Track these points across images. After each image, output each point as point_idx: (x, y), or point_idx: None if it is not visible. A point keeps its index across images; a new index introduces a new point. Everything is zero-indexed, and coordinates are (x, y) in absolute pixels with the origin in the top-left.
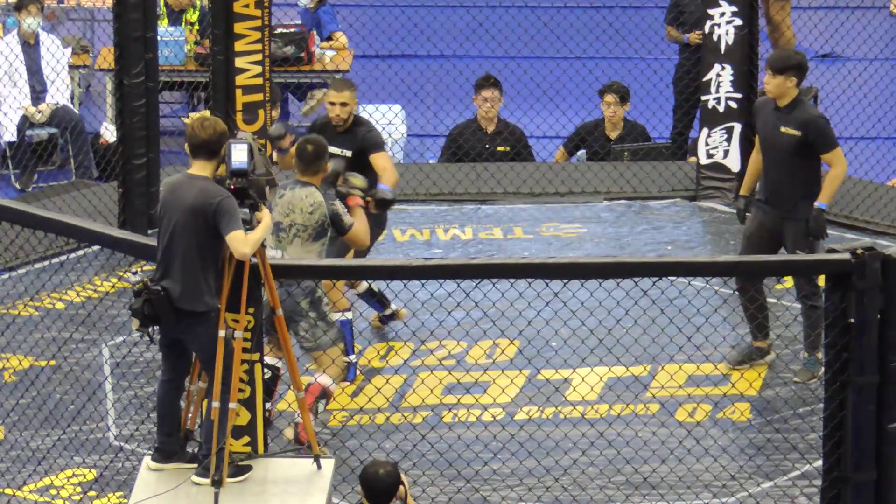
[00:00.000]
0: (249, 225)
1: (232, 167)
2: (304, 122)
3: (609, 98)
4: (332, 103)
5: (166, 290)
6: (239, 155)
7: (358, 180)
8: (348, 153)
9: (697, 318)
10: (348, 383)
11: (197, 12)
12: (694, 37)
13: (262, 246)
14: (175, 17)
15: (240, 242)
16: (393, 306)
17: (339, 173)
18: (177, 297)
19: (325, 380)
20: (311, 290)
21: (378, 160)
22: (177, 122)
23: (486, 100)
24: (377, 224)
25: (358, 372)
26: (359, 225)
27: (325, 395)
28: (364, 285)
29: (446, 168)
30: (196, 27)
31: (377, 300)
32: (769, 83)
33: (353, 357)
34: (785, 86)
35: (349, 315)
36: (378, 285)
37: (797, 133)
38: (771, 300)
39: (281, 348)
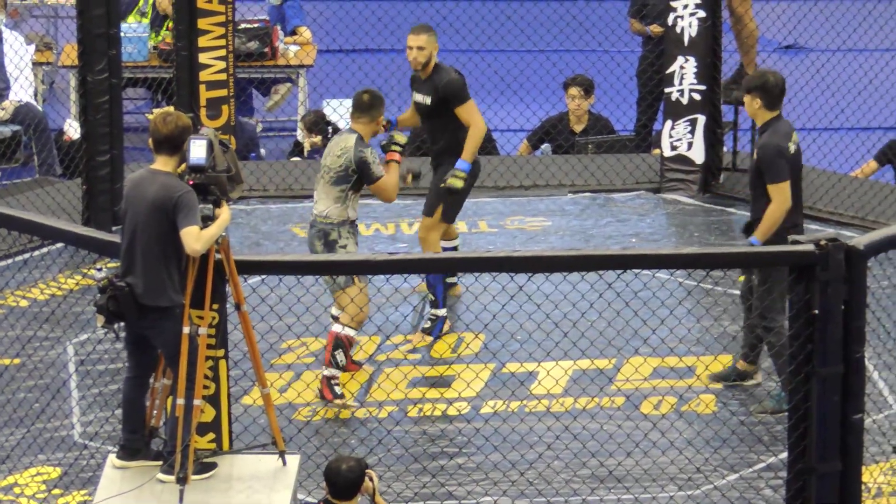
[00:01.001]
0: (211, 221)
1: (190, 163)
2: (267, 117)
3: (573, 91)
4: (410, 47)
5: (130, 286)
6: (197, 151)
7: (400, 136)
8: (428, 100)
9: (662, 310)
10: (433, 337)
11: None
12: (656, 29)
13: (217, 242)
14: (158, 20)
15: (192, 238)
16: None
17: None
18: (140, 293)
19: (336, 328)
20: (324, 232)
21: (460, 113)
22: (141, 119)
23: None
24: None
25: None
26: (388, 178)
27: (341, 344)
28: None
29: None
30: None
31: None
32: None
33: (441, 311)
34: (752, 106)
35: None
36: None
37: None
38: (734, 292)
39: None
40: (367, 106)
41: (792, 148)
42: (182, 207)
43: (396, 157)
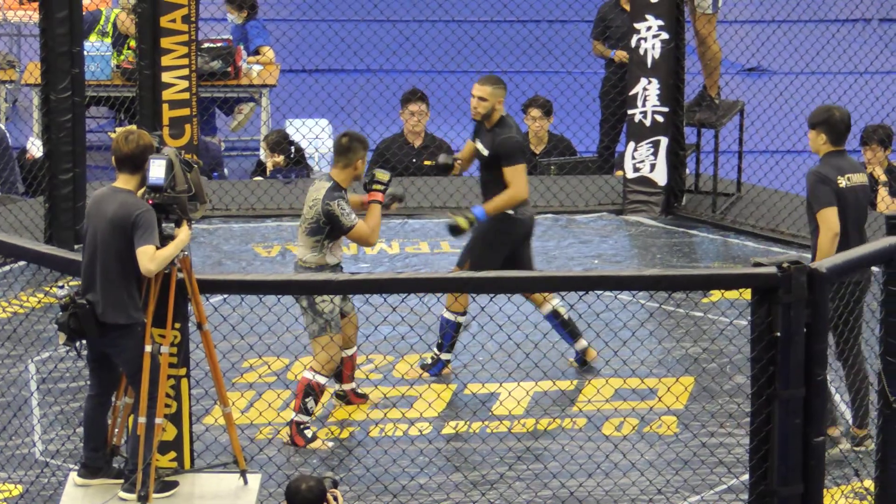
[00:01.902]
0: (172, 241)
1: (148, 182)
2: (230, 137)
3: (534, 112)
4: (472, 95)
5: (90, 304)
6: (156, 170)
7: (382, 174)
8: (485, 152)
9: (624, 331)
10: (430, 375)
11: None
12: (620, 55)
13: (173, 263)
14: (120, 41)
15: (147, 258)
16: (584, 342)
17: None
18: (100, 311)
19: (307, 374)
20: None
21: (506, 172)
22: (103, 137)
23: (412, 114)
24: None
25: (449, 372)
26: (364, 223)
27: (311, 392)
28: (549, 305)
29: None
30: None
31: (566, 329)
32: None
33: (445, 355)
34: (816, 142)
35: (460, 318)
36: (564, 308)
37: None
38: (697, 314)
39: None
40: (343, 149)
41: (842, 182)
42: (139, 226)
43: (378, 196)
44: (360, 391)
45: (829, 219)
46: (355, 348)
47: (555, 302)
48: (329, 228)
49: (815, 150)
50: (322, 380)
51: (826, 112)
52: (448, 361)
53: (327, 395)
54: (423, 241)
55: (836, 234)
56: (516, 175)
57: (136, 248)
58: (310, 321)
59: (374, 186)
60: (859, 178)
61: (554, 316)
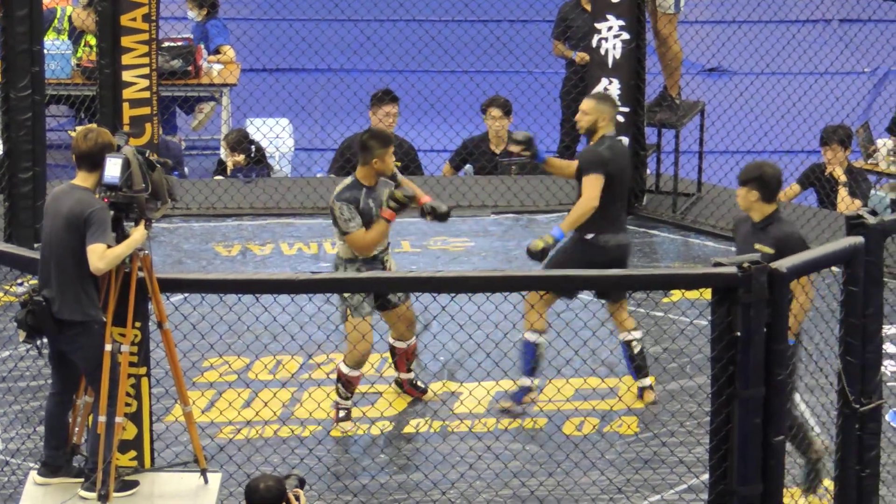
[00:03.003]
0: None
1: (104, 180)
2: (191, 136)
3: (494, 112)
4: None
5: (47, 300)
6: (112, 169)
7: (401, 194)
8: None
9: (584, 331)
10: (511, 404)
11: None
12: (581, 56)
13: (127, 259)
14: (77, 37)
15: (96, 256)
16: (648, 381)
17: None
18: (56, 308)
19: (342, 366)
20: (335, 266)
21: (583, 181)
22: (63, 136)
23: (387, 114)
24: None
25: (527, 398)
26: (364, 234)
27: (342, 379)
28: (627, 334)
29: (334, 182)
30: (95, 49)
31: (633, 364)
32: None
33: (529, 381)
34: (747, 199)
35: (539, 339)
36: (640, 344)
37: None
38: (657, 313)
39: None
40: (360, 146)
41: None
42: (92, 223)
43: (388, 214)
44: (419, 384)
45: (807, 286)
46: (413, 339)
47: (635, 334)
48: None
49: (745, 208)
50: (345, 369)
51: (758, 169)
52: (530, 388)
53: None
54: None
55: (811, 301)
56: (590, 186)
57: (87, 245)
58: (338, 305)
59: (390, 204)
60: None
61: (626, 347)
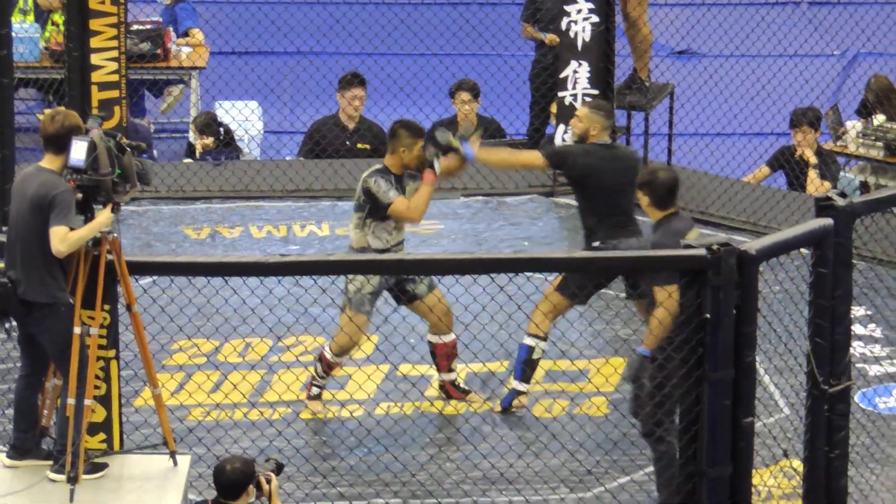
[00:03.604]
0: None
1: (69, 163)
2: (160, 119)
3: (463, 96)
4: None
5: (13, 282)
6: (77, 152)
7: (430, 154)
8: None
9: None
10: (501, 406)
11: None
12: (551, 38)
13: (89, 243)
14: (43, 17)
15: (57, 239)
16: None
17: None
18: (22, 289)
19: (326, 352)
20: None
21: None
22: (32, 119)
23: (355, 97)
24: None
25: (516, 402)
26: (410, 199)
27: (319, 360)
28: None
29: (303, 164)
30: (62, 28)
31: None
32: None
33: (519, 385)
34: (642, 202)
35: (539, 343)
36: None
37: None
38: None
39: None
40: (389, 136)
41: None
42: (55, 206)
43: (429, 176)
44: (462, 385)
45: (667, 298)
46: (450, 336)
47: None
48: (370, 207)
49: (647, 213)
50: (329, 355)
51: (650, 174)
52: (521, 392)
53: (340, 372)
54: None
55: (673, 317)
56: (522, 152)
57: (49, 227)
58: (342, 294)
59: (426, 163)
60: (695, 235)
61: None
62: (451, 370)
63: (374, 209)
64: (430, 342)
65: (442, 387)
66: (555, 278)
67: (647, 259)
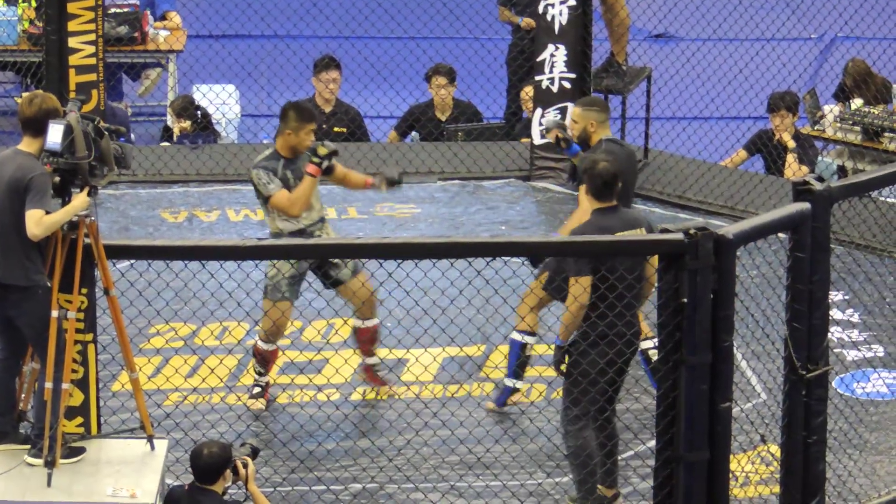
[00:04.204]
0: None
1: (45, 146)
2: (137, 102)
3: (439, 80)
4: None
5: None
6: (54, 135)
7: (323, 148)
8: None
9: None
10: (496, 405)
11: None
12: (527, 22)
13: (65, 227)
14: None
15: (33, 222)
16: (519, 385)
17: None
18: (0, 272)
19: (258, 341)
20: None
21: (579, 190)
22: (10, 102)
23: (325, 81)
24: None
25: (510, 401)
26: (291, 192)
27: (258, 354)
28: (516, 334)
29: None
30: (33, 4)
31: (517, 363)
32: None
33: (512, 382)
34: (581, 190)
35: (528, 339)
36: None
37: None
38: None
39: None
40: (280, 115)
41: None
42: (31, 189)
43: (311, 169)
44: (380, 373)
45: (578, 289)
46: (373, 320)
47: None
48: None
49: (585, 202)
50: (260, 343)
51: (591, 162)
52: (515, 389)
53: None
54: (331, 206)
55: (583, 307)
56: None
57: (25, 211)
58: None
59: (312, 159)
60: (634, 236)
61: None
62: (372, 354)
63: (265, 197)
64: (353, 326)
65: (365, 370)
66: (540, 273)
67: (622, 244)
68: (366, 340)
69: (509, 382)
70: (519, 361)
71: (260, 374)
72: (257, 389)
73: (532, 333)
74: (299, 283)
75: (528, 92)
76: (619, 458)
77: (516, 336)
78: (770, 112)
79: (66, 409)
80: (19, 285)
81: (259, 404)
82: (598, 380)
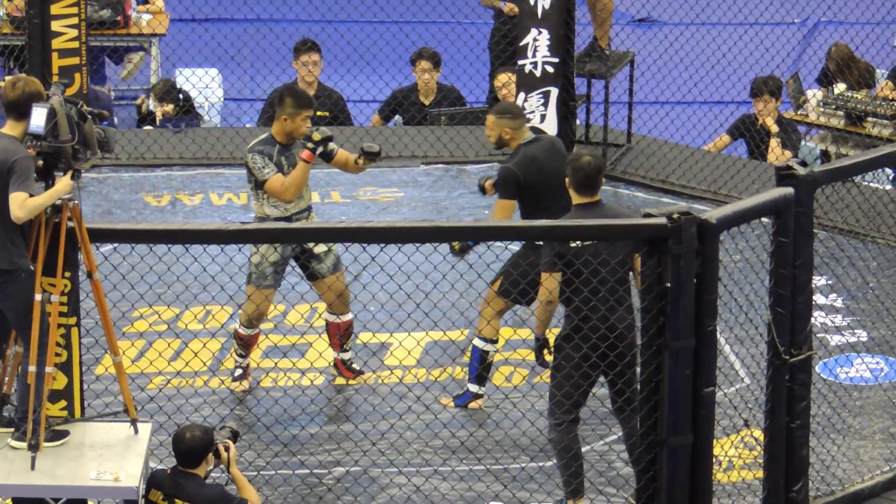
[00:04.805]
0: None
1: (29, 130)
2: (120, 86)
3: (424, 65)
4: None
5: None
6: (37, 118)
7: (317, 134)
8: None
9: None
10: (455, 405)
11: None
12: (510, 6)
13: (48, 210)
14: None
15: (16, 205)
16: (481, 392)
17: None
18: None
19: (238, 326)
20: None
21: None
22: None
23: (305, 64)
24: None
25: (475, 404)
26: (285, 178)
27: (238, 338)
28: (478, 341)
29: (263, 132)
30: None
31: (479, 367)
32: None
33: (476, 388)
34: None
35: (488, 347)
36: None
37: None
38: None
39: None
40: (276, 101)
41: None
42: (14, 172)
43: (305, 154)
44: (353, 365)
45: (549, 284)
46: (348, 315)
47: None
48: (255, 179)
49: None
50: (241, 329)
51: (576, 156)
52: (478, 395)
53: (267, 342)
54: (314, 190)
55: (553, 303)
56: (497, 209)
57: (9, 194)
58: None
59: (307, 145)
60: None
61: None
62: (344, 350)
63: (259, 181)
64: (326, 320)
65: (336, 365)
66: (494, 281)
67: (607, 228)
68: (341, 335)
69: (472, 388)
70: (481, 368)
71: (241, 356)
72: (239, 372)
73: (493, 341)
74: (283, 269)
75: (500, 79)
76: (602, 443)
77: (478, 343)
78: (753, 97)
79: (50, 392)
80: (2, 269)
81: (243, 386)
82: (579, 378)
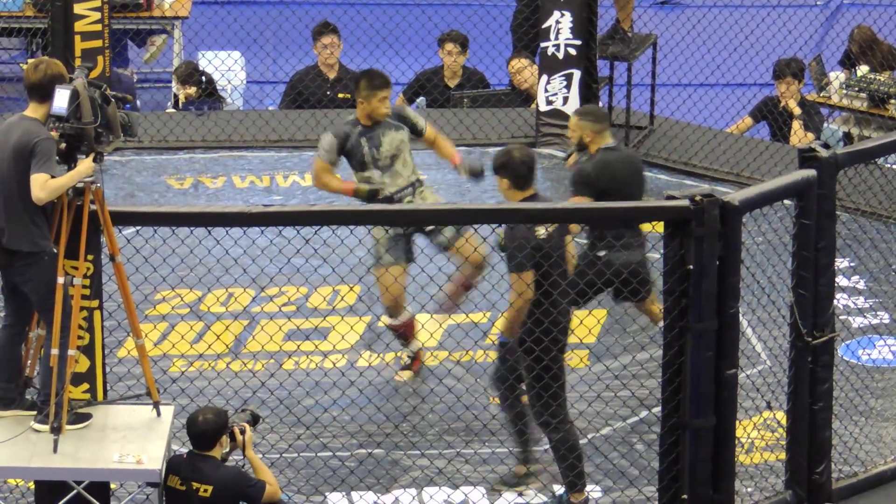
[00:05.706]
0: None
1: (52, 111)
2: (143, 69)
3: (450, 47)
4: None
5: None
6: (60, 100)
7: (364, 189)
8: None
9: None
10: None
11: None
12: None
13: (69, 192)
14: None
15: (38, 186)
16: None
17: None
18: (6, 238)
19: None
20: None
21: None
22: (15, 69)
23: (325, 46)
24: None
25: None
26: (321, 173)
27: (393, 331)
28: None
29: (286, 115)
30: None
31: None
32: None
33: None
34: (501, 187)
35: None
36: None
37: None
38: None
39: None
40: (354, 83)
41: (541, 231)
42: (36, 153)
43: (349, 192)
44: (409, 359)
45: (521, 285)
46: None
47: None
48: (349, 160)
49: (506, 198)
50: (388, 320)
51: (505, 155)
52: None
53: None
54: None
55: (527, 303)
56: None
57: (30, 175)
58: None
59: (358, 190)
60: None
61: None
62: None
63: (349, 160)
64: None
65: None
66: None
67: (628, 210)
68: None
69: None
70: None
71: (405, 345)
72: (407, 360)
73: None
74: (403, 245)
75: (513, 65)
76: (624, 423)
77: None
78: (776, 79)
79: (73, 375)
80: (25, 251)
81: (405, 375)
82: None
